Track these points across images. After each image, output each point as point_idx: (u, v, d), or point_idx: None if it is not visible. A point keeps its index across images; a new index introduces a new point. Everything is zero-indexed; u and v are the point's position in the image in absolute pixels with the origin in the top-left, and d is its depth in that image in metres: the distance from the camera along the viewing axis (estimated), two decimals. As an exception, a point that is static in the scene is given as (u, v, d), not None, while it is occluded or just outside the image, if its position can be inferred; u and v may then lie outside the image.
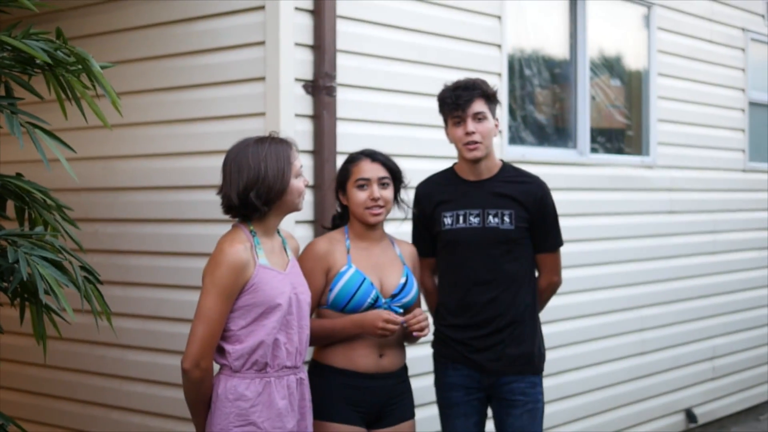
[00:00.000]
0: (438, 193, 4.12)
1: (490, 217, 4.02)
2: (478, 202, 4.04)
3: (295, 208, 3.50)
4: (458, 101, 3.97)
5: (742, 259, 7.80)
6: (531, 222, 4.05)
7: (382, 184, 3.83)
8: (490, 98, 4.02)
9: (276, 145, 3.41)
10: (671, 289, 7.00)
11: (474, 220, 4.03)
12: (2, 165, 4.48)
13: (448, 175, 4.18)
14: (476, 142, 3.97)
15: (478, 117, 3.97)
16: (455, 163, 4.18)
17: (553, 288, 4.23)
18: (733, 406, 7.73)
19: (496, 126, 4.06)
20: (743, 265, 7.80)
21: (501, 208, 4.02)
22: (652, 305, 6.80)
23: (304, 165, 4.35)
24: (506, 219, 4.01)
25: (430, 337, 4.21)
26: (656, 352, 6.84)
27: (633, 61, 6.97)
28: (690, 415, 7.16)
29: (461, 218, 4.04)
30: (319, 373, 3.80)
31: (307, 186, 3.51)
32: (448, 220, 4.06)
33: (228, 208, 3.43)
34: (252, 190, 3.34)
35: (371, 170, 3.83)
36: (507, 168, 4.14)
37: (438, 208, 4.08)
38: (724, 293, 7.58)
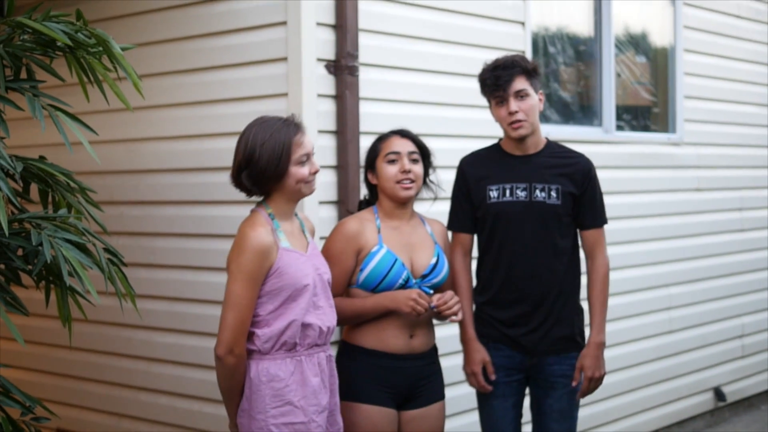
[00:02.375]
0: (484, 167, 4.09)
1: (537, 192, 4.00)
2: (525, 176, 4.01)
3: (299, 194, 3.44)
4: (498, 81, 3.95)
5: (771, 236, 7.73)
6: (577, 198, 4.02)
7: (413, 160, 3.84)
8: (531, 73, 3.99)
9: (281, 130, 3.36)
10: (699, 267, 6.95)
11: (521, 194, 4.00)
12: (25, 148, 4.49)
13: (494, 150, 4.15)
14: (520, 121, 3.95)
15: (520, 95, 3.95)
16: (500, 140, 4.15)
17: (608, 271, 4.10)
18: (762, 384, 7.67)
19: (540, 100, 4.04)
20: (772, 243, 7.74)
21: (548, 182, 4.00)
22: (679, 283, 6.75)
23: (326, 146, 4.36)
24: (553, 194, 3.99)
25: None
26: (684, 331, 6.80)
27: (659, 38, 6.90)
28: (719, 394, 7.12)
29: (508, 191, 4.02)
30: (348, 353, 3.80)
31: (315, 172, 3.42)
32: (493, 194, 4.03)
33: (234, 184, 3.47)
34: (243, 171, 3.36)
35: (401, 145, 3.85)
36: (552, 145, 4.13)
37: (483, 182, 4.05)
38: (753, 271, 7.51)
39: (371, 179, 3.90)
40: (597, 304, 4.08)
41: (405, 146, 3.84)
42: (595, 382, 4.07)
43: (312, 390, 3.37)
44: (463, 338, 4.10)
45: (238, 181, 3.41)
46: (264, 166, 3.33)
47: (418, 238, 3.89)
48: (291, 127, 3.39)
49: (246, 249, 3.29)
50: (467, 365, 4.09)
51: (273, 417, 3.32)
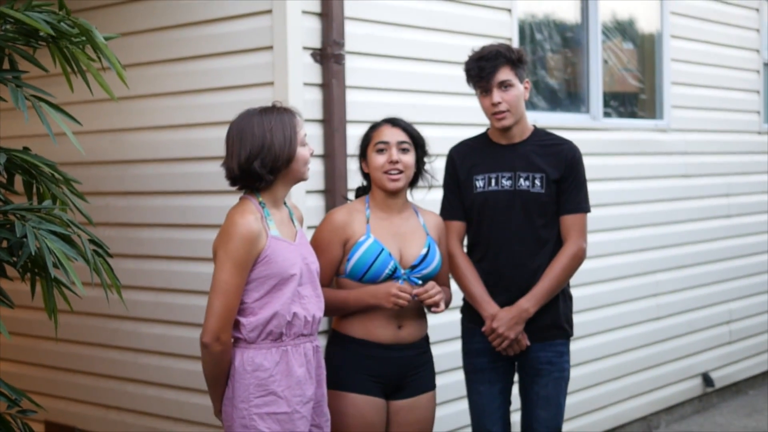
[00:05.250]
0: (471, 156, 4.10)
1: (521, 180, 4.00)
2: (509, 165, 4.02)
3: (301, 177, 3.47)
4: (482, 72, 3.95)
5: (758, 222, 7.74)
6: (561, 183, 4.01)
7: (402, 149, 3.78)
8: (516, 63, 3.98)
9: (281, 114, 3.39)
10: (686, 253, 6.95)
11: (506, 183, 4.01)
12: (9, 139, 4.46)
13: (481, 139, 4.17)
14: (503, 112, 3.96)
15: (504, 86, 3.95)
16: (488, 128, 4.16)
17: (580, 257, 4.05)
18: (749, 370, 7.70)
19: (526, 89, 4.05)
20: (759, 228, 7.75)
21: (532, 171, 4.00)
22: (667, 270, 6.76)
23: (313, 134, 4.35)
24: (537, 182, 3.99)
25: (458, 302, 4.19)
26: (672, 317, 6.81)
27: (646, 24, 6.90)
28: (707, 380, 7.14)
29: (493, 181, 4.03)
30: (338, 342, 3.79)
31: (312, 155, 3.48)
32: (480, 183, 4.04)
33: (231, 179, 3.41)
34: (256, 159, 3.32)
35: (391, 134, 3.79)
36: (539, 132, 4.13)
37: (471, 171, 4.06)
38: (740, 257, 7.53)
39: (364, 168, 3.87)
40: (547, 276, 3.98)
41: (395, 135, 3.79)
42: (501, 339, 3.96)
43: (297, 380, 3.37)
44: (481, 308, 4.03)
45: (246, 171, 3.34)
46: (278, 150, 3.33)
47: (409, 228, 3.85)
48: (287, 111, 3.42)
49: (234, 235, 3.28)
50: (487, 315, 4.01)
51: (256, 406, 3.31)
